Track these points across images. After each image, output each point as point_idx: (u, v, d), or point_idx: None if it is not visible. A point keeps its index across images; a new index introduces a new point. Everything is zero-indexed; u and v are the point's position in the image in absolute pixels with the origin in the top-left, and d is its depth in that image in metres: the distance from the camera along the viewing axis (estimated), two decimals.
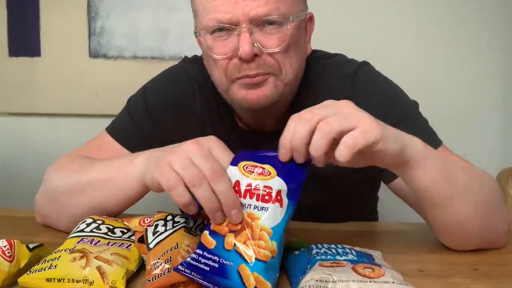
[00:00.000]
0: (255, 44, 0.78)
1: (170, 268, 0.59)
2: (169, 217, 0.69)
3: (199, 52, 0.93)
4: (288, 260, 0.67)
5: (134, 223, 0.71)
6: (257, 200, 0.60)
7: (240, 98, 0.83)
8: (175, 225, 0.67)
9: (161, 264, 0.60)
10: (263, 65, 0.79)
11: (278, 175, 0.60)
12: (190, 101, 0.95)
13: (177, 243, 0.63)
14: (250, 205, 0.60)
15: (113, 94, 1.56)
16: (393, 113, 0.85)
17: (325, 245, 0.69)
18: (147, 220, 0.70)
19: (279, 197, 0.59)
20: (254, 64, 0.79)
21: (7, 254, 0.61)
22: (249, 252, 0.57)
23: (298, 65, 0.85)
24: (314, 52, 0.96)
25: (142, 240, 0.67)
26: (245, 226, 0.59)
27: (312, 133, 0.59)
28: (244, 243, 0.58)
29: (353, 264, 0.62)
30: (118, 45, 1.61)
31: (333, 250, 0.68)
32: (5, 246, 0.61)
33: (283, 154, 0.61)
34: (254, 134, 0.93)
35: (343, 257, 0.65)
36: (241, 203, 0.60)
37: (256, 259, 0.57)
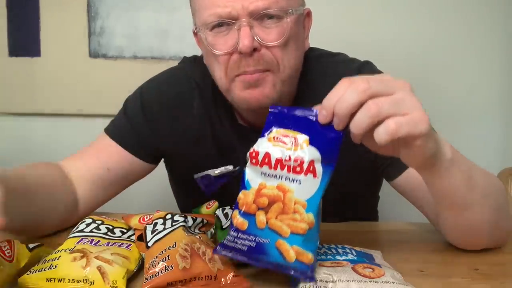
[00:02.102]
0: (255, 38, 0.78)
1: (168, 266, 0.59)
2: (169, 216, 0.69)
3: (199, 52, 0.93)
4: None
5: (134, 221, 0.72)
6: (288, 171, 0.57)
7: (241, 99, 0.83)
8: (174, 224, 0.67)
9: (158, 263, 0.60)
10: (262, 61, 0.79)
11: (310, 143, 0.57)
12: (187, 101, 0.95)
13: (175, 242, 0.63)
14: (282, 176, 0.57)
15: (113, 94, 1.55)
16: None
17: (325, 245, 0.69)
18: (147, 218, 0.71)
19: (311, 168, 0.57)
20: (253, 60, 0.79)
21: (7, 254, 0.61)
22: (284, 227, 0.56)
23: (296, 60, 0.85)
24: (316, 50, 0.96)
25: (142, 238, 0.67)
26: (274, 200, 0.58)
27: (360, 105, 0.55)
28: (277, 218, 0.57)
29: (353, 264, 0.62)
30: (118, 45, 1.61)
31: (333, 250, 0.68)
32: (5, 246, 0.61)
33: (324, 117, 0.58)
34: (255, 132, 0.93)
35: (343, 257, 0.65)
36: None
37: (292, 233, 0.56)
